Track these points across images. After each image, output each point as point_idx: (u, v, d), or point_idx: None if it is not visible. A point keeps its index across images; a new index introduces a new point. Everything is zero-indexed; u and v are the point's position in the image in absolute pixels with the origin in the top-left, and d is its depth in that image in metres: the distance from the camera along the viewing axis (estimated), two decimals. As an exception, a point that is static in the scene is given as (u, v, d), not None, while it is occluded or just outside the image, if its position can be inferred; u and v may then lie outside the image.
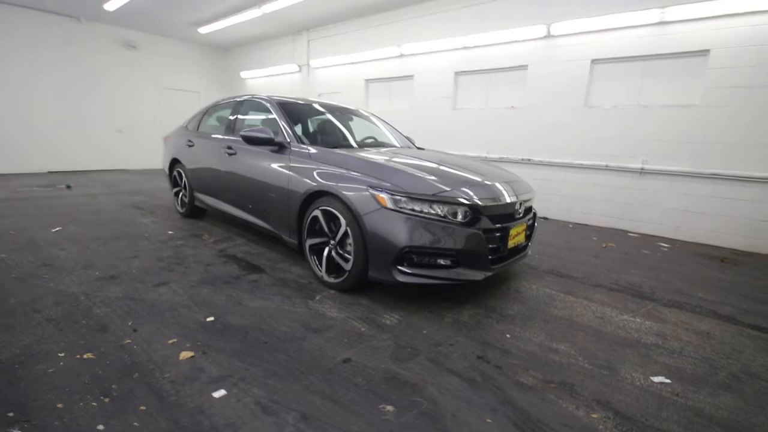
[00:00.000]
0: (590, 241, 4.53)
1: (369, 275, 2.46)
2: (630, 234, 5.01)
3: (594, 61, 5.23)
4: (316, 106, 3.80)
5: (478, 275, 2.45)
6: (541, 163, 5.84)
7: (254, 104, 3.77)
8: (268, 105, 3.49)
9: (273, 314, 2.32)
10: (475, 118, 6.44)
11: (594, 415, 1.60)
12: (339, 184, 2.54)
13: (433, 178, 2.47)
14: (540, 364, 1.96)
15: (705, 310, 2.73)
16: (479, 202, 2.41)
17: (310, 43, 8.76)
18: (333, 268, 2.71)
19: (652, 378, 1.88)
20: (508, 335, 2.23)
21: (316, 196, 2.75)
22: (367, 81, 7.88)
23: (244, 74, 10.45)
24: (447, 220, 2.34)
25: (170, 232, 4.02)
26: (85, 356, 1.81)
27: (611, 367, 1.95)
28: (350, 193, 2.45)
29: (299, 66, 9.02)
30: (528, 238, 2.94)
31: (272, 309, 2.40)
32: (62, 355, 1.81)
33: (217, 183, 3.89)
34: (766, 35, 4.09)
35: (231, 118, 3.91)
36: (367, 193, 2.39)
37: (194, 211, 4.57)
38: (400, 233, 2.29)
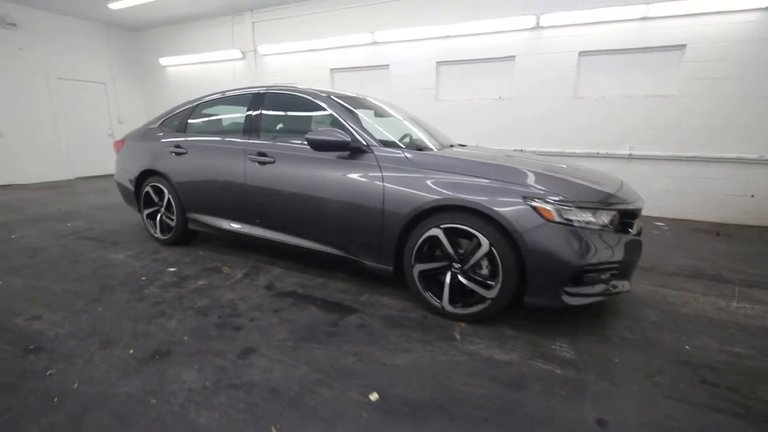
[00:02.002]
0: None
1: (525, 301, 2.08)
2: (623, 216, 5.38)
3: (582, 53, 5.43)
4: (361, 100, 3.17)
5: (628, 285, 2.25)
6: (533, 153, 5.95)
7: (287, 99, 3.00)
8: (318, 100, 2.79)
9: (440, 372, 1.80)
10: (461, 110, 6.28)
11: None
12: (479, 197, 2.08)
13: (581, 180, 2.17)
14: (756, 374, 1.83)
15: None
16: (636, 207, 2.19)
17: (256, 26, 7.63)
18: (458, 296, 2.26)
19: None
20: (687, 347, 2.07)
21: (430, 212, 2.24)
22: (333, 70, 7.16)
23: (164, 61, 8.73)
24: (609, 228, 2.07)
25: (172, 269, 3.03)
26: None
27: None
28: (504, 207, 2.02)
29: (242, 52, 7.81)
30: None
31: (429, 364, 1.86)
32: None
33: (233, 200, 3.03)
34: (733, 33, 4.64)
35: (250, 115, 3.05)
36: (525, 205, 1.99)
37: (183, 237, 3.56)
38: (573, 250, 1.95)
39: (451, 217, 2.17)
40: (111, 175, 9.13)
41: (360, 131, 2.54)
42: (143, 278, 2.84)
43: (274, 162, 2.78)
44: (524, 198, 2.01)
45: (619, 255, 2.08)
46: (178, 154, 3.32)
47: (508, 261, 2.04)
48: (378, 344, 2.03)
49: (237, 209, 3.06)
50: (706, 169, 5.03)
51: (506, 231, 2.03)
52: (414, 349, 1.99)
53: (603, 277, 2.09)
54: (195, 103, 3.49)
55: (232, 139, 3.06)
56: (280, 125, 3.10)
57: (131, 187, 3.74)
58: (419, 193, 2.23)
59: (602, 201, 2.06)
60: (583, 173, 2.39)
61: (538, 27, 5.52)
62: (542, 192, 2.01)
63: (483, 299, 2.17)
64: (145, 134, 3.73)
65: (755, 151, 4.74)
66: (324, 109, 2.76)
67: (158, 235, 3.63)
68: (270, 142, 2.86)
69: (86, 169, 8.38)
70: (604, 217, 2.05)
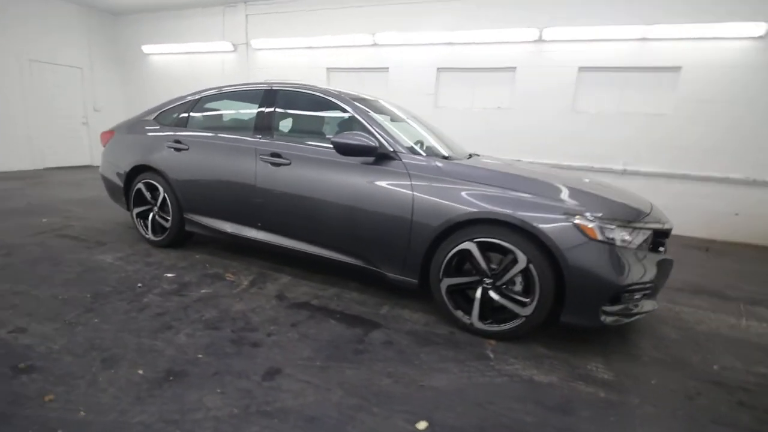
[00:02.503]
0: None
1: (561, 319, 2.02)
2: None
3: (581, 69, 5.52)
4: (374, 103, 3.05)
5: (656, 305, 2.24)
6: (530, 164, 6.00)
7: (304, 98, 2.83)
8: (340, 101, 2.64)
9: (482, 396, 1.70)
10: (460, 118, 6.26)
11: None
12: (519, 212, 2.00)
13: (618, 198, 2.14)
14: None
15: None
16: (668, 227, 2.18)
17: (250, 18, 7.35)
18: (486, 312, 2.17)
19: None
20: (714, 366, 2.07)
21: (462, 225, 2.14)
22: (330, 70, 6.99)
23: (147, 48, 8.28)
24: (644, 247, 2.05)
25: (170, 275, 2.79)
26: None
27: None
28: (546, 224, 1.94)
29: (234, 45, 7.52)
30: None
31: (468, 386, 1.76)
32: None
33: (240, 203, 2.83)
34: (726, 59, 4.84)
35: (262, 112, 2.86)
36: (567, 223, 1.93)
37: (177, 239, 3.31)
38: (615, 270, 1.91)
39: (486, 231, 2.09)
40: (85, 167, 8.63)
41: (387, 136, 2.42)
42: (139, 285, 2.60)
43: (289, 164, 2.61)
44: (566, 215, 1.95)
45: (652, 274, 2.06)
46: (177, 149, 3.08)
47: (545, 278, 1.98)
48: (411, 364, 1.91)
49: (244, 212, 2.86)
50: (696, 187, 5.21)
51: (545, 247, 1.96)
52: (449, 369, 1.88)
53: (637, 296, 2.07)
54: (197, 96, 3.26)
55: (242, 137, 2.86)
56: (296, 125, 2.93)
57: (120, 183, 3.45)
58: (453, 204, 2.13)
59: (640, 220, 2.03)
60: (612, 191, 2.37)
61: (540, 40, 5.58)
62: (584, 209, 1.96)
63: (515, 316, 2.10)
64: (138, 126, 3.46)
65: (741, 172, 4.96)
66: (346, 111, 2.62)
67: (150, 236, 3.36)
68: (286, 143, 2.69)
69: (57, 159, 7.81)
70: (641, 237, 2.02)
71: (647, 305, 2.16)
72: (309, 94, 2.78)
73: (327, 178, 2.49)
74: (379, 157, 2.36)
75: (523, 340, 2.18)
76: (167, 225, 3.25)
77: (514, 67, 5.84)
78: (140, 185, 3.31)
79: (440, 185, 2.20)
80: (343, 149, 2.31)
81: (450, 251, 2.17)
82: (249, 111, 2.97)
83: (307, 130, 2.94)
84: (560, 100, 5.68)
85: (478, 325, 2.18)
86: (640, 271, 1.98)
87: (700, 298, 3.06)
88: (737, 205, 5.06)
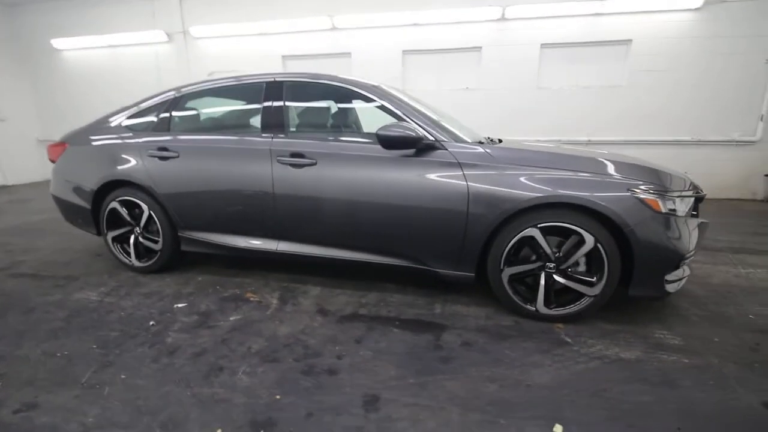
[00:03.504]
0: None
1: (630, 293, 2.05)
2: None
3: (543, 46, 5.71)
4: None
5: (690, 267, 2.38)
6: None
7: (317, 89, 2.54)
8: (363, 90, 2.40)
9: (590, 384, 1.66)
10: (428, 101, 6.17)
11: None
12: (585, 192, 1.97)
13: (664, 169, 2.19)
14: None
15: None
16: (704, 193, 2.29)
17: (185, 3, 6.54)
18: (550, 297, 2.15)
19: None
20: (750, 316, 2.26)
21: (522, 211, 2.07)
22: (285, 57, 6.50)
23: (59, 43, 7.04)
24: (689, 214, 2.15)
25: (181, 305, 2.40)
26: None
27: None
28: (613, 202, 1.93)
29: (168, 34, 6.66)
30: None
31: (571, 377, 1.71)
32: None
33: (254, 212, 2.49)
34: (670, 30, 5.29)
35: (269, 108, 2.51)
36: (632, 198, 1.94)
37: (170, 261, 2.86)
38: (679, 239, 1.98)
39: (548, 215, 2.04)
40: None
41: (429, 124, 2.25)
42: (151, 323, 2.19)
43: (315, 164, 2.33)
44: (629, 190, 1.96)
45: (697, 238, 2.16)
46: (163, 158, 2.62)
47: (613, 256, 1.99)
48: (502, 363, 1.82)
49: (259, 222, 2.53)
50: (651, 150, 5.70)
51: (612, 225, 1.96)
52: (542, 362, 1.83)
53: (686, 261, 2.16)
54: (175, 94, 2.79)
55: (249, 138, 2.50)
56: (314, 120, 2.63)
57: (84, 204, 2.88)
58: (514, 191, 2.04)
59: (689, 189, 2.12)
60: (641, 161, 2.44)
61: (503, 19, 5.65)
62: (642, 182, 1.98)
63: (580, 297, 2.10)
64: (100, 134, 2.88)
65: (688, 134, 5.52)
66: (371, 100, 2.40)
67: (134, 261, 2.86)
68: (307, 141, 2.40)
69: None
70: (688, 204, 2.11)
71: (687, 268, 2.28)
72: (324, 84, 2.49)
73: (364, 176, 2.26)
74: (424, 148, 2.19)
75: (585, 319, 2.19)
76: (156, 247, 2.78)
77: (480, 47, 5.88)
78: (115, 204, 2.78)
79: (494, 172, 2.10)
80: (390, 142, 2.11)
81: (511, 240, 2.09)
82: (250, 107, 2.60)
83: (329, 124, 2.65)
84: (525, 78, 5.85)
85: (544, 311, 2.15)
86: (694, 237, 2.08)
87: (720, 255, 3.30)
88: (687, 164, 5.62)
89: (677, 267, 2.06)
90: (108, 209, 2.81)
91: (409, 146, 2.14)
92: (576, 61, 5.71)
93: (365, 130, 2.84)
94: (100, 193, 2.81)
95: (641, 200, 1.94)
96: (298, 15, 6.10)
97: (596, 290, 2.05)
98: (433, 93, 6.15)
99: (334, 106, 2.73)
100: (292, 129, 2.53)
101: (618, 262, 2.00)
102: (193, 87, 2.77)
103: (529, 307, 2.17)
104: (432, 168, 2.18)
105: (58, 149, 2.99)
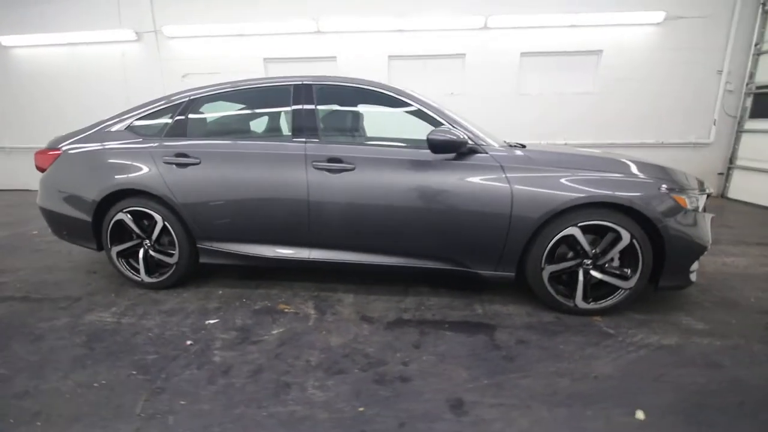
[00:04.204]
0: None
1: (660, 285, 2.21)
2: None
3: (523, 54, 6.00)
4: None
5: None
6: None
7: (350, 92, 2.52)
8: (398, 95, 2.41)
9: (648, 372, 1.77)
10: (415, 105, 6.27)
11: None
12: (625, 192, 2.09)
13: (678, 169, 2.39)
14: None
15: None
16: (711, 190, 2.52)
17: (156, 2, 6.15)
18: (587, 292, 2.27)
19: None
20: (752, 299, 2.52)
21: (563, 211, 2.16)
22: (267, 60, 6.30)
23: (7, 40, 6.34)
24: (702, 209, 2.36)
25: (212, 321, 2.25)
26: None
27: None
28: (651, 201, 2.08)
29: (137, 33, 6.23)
30: None
31: (629, 366, 1.82)
32: None
33: (286, 220, 2.40)
34: (636, 41, 5.76)
35: (299, 111, 2.43)
36: (666, 196, 2.10)
37: (186, 275, 2.68)
38: (704, 233, 2.19)
39: (587, 214, 2.15)
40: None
41: (467, 129, 2.29)
42: (189, 342, 2.03)
43: (353, 169, 2.29)
44: (660, 189, 2.12)
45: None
46: (182, 165, 2.45)
47: (647, 250, 2.14)
48: (563, 358, 1.89)
49: (291, 230, 2.44)
50: (619, 152, 6.15)
51: (647, 222, 2.11)
52: (598, 354, 1.92)
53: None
54: (191, 96, 2.62)
55: (281, 143, 2.40)
56: (347, 124, 2.58)
57: (83, 216, 2.62)
58: (557, 192, 2.13)
59: (704, 187, 2.32)
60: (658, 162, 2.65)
61: (486, 28, 5.87)
62: (668, 182, 2.16)
63: (614, 290, 2.23)
64: (101, 140, 2.64)
65: (653, 137, 6.03)
66: (407, 105, 2.41)
67: (143, 277, 2.64)
68: (344, 145, 2.35)
69: None
70: (704, 201, 2.32)
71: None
72: (357, 87, 2.47)
73: (405, 181, 2.26)
74: (467, 151, 2.23)
75: (617, 311, 2.33)
76: (171, 261, 2.59)
77: (464, 54, 6.06)
78: (122, 216, 2.56)
79: (535, 175, 2.18)
80: (440, 146, 2.13)
81: (552, 239, 2.19)
82: (276, 111, 2.51)
83: (362, 129, 2.61)
84: (507, 84, 6.11)
85: (582, 305, 2.26)
86: (710, 229, 2.28)
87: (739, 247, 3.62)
88: (652, 165, 6.15)
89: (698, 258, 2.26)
90: (113, 221, 2.58)
91: (455, 150, 2.18)
92: (553, 69, 6.06)
93: (393, 135, 2.83)
94: (103, 204, 2.57)
95: (672, 198, 2.11)
96: (280, 17, 5.96)
97: (631, 283, 2.19)
98: (419, 98, 6.25)
99: (366, 110, 2.70)
100: (326, 133, 2.47)
101: (650, 257, 2.15)
102: (210, 89, 2.62)
103: (567, 302, 2.27)
104: (474, 171, 2.22)
105: (49, 157, 2.69)
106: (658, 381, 1.72)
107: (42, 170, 2.74)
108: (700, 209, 2.23)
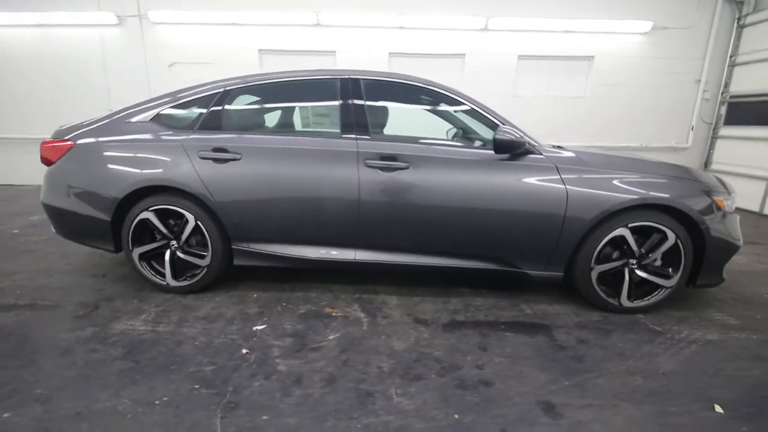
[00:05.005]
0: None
1: (697, 283, 2.33)
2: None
3: (520, 57, 6.13)
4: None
5: None
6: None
7: (402, 89, 2.49)
8: (453, 94, 2.40)
9: (705, 366, 1.87)
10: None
11: None
12: (674, 194, 2.18)
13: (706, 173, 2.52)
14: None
15: None
16: None
17: (140, -17, 5.72)
18: (631, 291, 2.35)
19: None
20: (765, 295, 2.72)
21: (614, 213, 2.22)
22: (262, 52, 6.03)
23: (-39, 14, 5.65)
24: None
25: (260, 327, 2.11)
26: None
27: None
28: (697, 204, 2.18)
29: (119, 17, 5.76)
30: None
31: (688, 362, 1.90)
32: None
33: (335, 221, 2.30)
34: (626, 49, 6.05)
35: (347, 106, 2.33)
36: (708, 199, 2.21)
37: (218, 278, 2.51)
38: (738, 233, 2.32)
39: (636, 216, 2.22)
40: None
41: (522, 129, 2.30)
42: (244, 351, 1.90)
43: (407, 168, 2.24)
44: (702, 192, 2.23)
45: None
46: (220, 160, 2.29)
47: (689, 250, 2.24)
48: (625, 356, 1.94)
49: (339, 231, 2.34)
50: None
51: (690, 222, 2.21)
52: (655, 351, 1.99)
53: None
54: (226, 87, 2.43)
55: (332, 139, 2.30)
56: (399, 121, 2.50)
57: (101, 215, 2.38)
58: (611, 194, 2.18)
59: (732, 191, 2.47)
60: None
61: (486, 29, 5.94)
62: (710, 185, 2.28)
63: (655, 288, 2.33)
64: (122, 131, 2.41)
65: (638, 141, 6.37)
66: (459, 104, 2.39)
67: (169, 281, 2.44)
68: (400, 143, 2.29)
69: None
70: (734, 203, 2.46)
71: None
72: (407, 84, 2.42)
73: (461, 180, 2.23)
74: (523, 152, 2.24)
75: (657, 308, 2.42)
76: (203, 263, 2.42)
77: (464, 54, 6.10)
78: (147, 215, 2.35)
79: (589, 176, 2.23)
80: (504, 146, 2.13)
81: (603, 239, 2.24)
82: (322, 105, 2.40)
83: (415, 126, 2.55)
84: (504, 86, 6.23)
85: (626, 303, 2.34)
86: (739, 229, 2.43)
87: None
88: (636, 167, 6.50)
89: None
90: (136, 221, 2.37)
91: (516, 150, 2.18)
92: (548, 72, 6.24)
93: (434, 133, 2.79)
94: (125, 202, 2.35)
95: (713, 200, 2.22)
96: (278, 7, 5.72)
97: (673, 282, 2.29)
98: (417, 96, 6.24)
99: (417, 108, 2.64)
100: (375, 130, 2.39)
101: (691, 256, 2.26)
102: (246, 81, 2.45)
103: (612, 301, 2.34)
104: (530, 172, 2.24)
105: (59, 149, 2.42)
106: (719, 375, 1.81)
107: (49, 163, 2.46)
108: (733, 210, 2.37)
